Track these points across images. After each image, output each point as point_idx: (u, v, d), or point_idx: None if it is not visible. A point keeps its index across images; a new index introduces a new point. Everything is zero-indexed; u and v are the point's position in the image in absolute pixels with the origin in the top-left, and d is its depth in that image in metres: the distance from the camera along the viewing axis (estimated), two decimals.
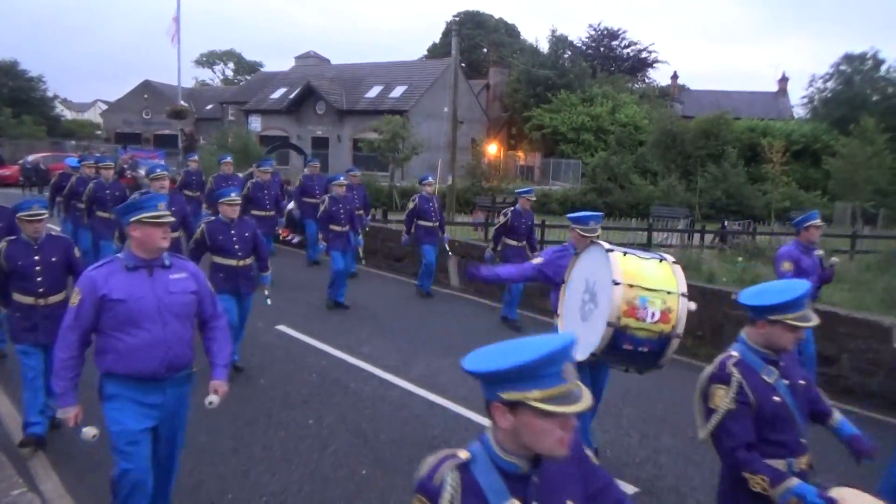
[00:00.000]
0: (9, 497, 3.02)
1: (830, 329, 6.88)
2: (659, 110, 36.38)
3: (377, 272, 12.15)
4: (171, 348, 3.28)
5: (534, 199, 9.30)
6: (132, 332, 3.21)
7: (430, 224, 10.05)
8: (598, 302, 4.18)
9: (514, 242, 8.78)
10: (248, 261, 6.50)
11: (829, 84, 36.61)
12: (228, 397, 3.71)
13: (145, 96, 48.03)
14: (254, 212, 10.14)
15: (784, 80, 42.10)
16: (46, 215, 4.80)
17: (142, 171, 27.05)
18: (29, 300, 4.71)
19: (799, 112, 40.12)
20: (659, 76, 64.47)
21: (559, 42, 41.87)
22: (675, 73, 45.09)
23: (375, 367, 6.83)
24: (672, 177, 29.17)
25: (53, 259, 4.79)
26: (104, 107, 59.71)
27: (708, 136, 30.90)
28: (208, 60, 70.67)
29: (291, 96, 38.25)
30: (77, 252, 4.98)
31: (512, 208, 8.99)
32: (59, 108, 58.13)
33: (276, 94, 40.31)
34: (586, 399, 1.57)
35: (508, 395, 1.56)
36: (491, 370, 1.58)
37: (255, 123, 39.31)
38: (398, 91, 36.34)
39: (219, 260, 6.38)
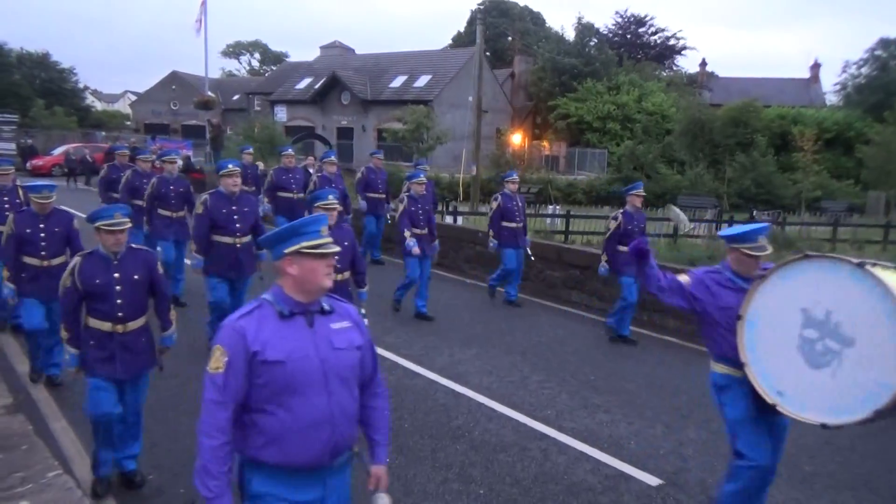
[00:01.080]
0: (45, 478, 3.11)
1: None
2: (687, 98, 35.85)
3: (399, 261, 12.19)
4: (337, 426, 2.43)
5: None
6: (290, 406, 2.36)
7: (513, 225, 8.97)
8: (861, 341, 3.06)
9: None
10: (345, 275, 5.82)
11: (864, 70, 35.75)
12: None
13: (173, 87, 48.61)
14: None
15: (816, 67, 41.20)
16: (129, 224, 4.12)
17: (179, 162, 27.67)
18: (106, 326, 4.06)
19: (831, 99, 39.30)
20: (687, 63, 63.40)
21: (585, 30, 41.43)
22: (703, 60, 44.36)
23: (399, 356, 6.87)
24: (700, 166, 28.77)
25: (136, 277, 4.15)
26: (133, 98, 60.67)
27: (737, 125, 30.36)
28: (234, 51, 71.25)
29: (316, 86, 38.42)
30: (160, 268, 4.42)
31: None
32: (90, 99, 59.13)
33: (302, 85, 40.53)
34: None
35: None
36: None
37: (281, 113, 39.61)
38: (422, 81, 36.30)
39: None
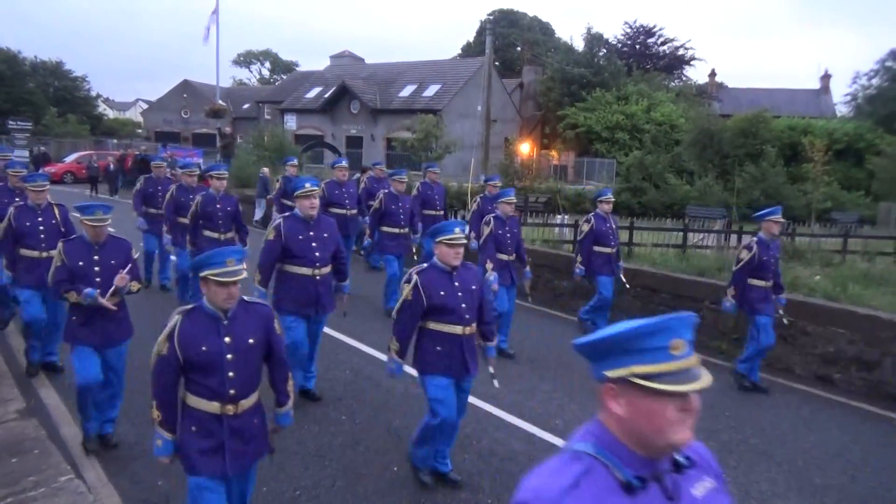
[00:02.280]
0: (57, 482, 3.14)
1: (871, 333, 6.73)
2: (696, 109, 35.79)
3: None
4: None
5: (612, 200, 8.43)
6: None
7: (608, 250, 8.13)
8: None
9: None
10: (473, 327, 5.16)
11: (875, 81, 35.62)
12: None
13: (184, 95, 49.01)
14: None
15: (826, 78, 41.12)
16: (244, 274, 3.17)
17: (180, 171, 27.71)
18: (213, 407, 3.13)
19: (842, 110, 39.12)
20: (696, 74, 63.58)
21: (594, 40, 41.51)
22: (712, 70, 44.35)
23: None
24: (709, 176, 28.68)
25: (250, 341, 3.19)
26: (145, 106, 61.16)
27: (746, 135, 30.25)
28: (245, 60, 71.89)
29: (326, 95, 38.67)
30: (277, 326, 3.43)
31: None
32: (102, 107, 59.66)
33: (312, 94, 40.80)
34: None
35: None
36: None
37: (291, 122, 39.84)
38: (432, 90, 36.45)
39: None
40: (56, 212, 6.08)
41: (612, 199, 8.25)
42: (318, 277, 5.47)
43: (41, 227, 5.90)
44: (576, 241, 8.32)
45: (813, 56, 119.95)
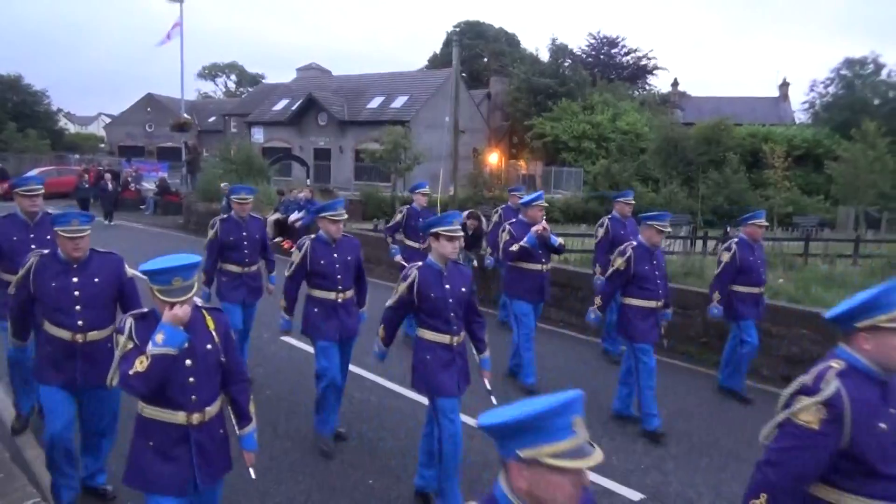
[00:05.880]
0: None
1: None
2: (659, 117, 36.47)
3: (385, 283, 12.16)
4: None
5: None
6: None
7: (757, 291, 6.60)
8: None
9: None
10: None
11: (831, 89, 36.74)
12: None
13: (148, 109, 48.35)
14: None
15: (785, 86, 42.23)
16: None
17: (146, 185, 27.26)
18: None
19: (800, 117, 40.25)
20: (659, 83, 64.76)
21: (559, 51, 42.07)
22: (675, 79, 45.41)
23: (381, 377, 6.85)
24: (674, 184, 29.21)
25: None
26: (107, 120, 60.14)
27: (709, 143, 30.95)
28: (210, 73, 71.17)
29: (293, 108, 38.47)
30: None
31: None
32: (63, 122, 58.54)
33: (279, 106, 40.55)
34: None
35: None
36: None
37: (258, 135, 39.52)
38: (399, 101, 36.52)
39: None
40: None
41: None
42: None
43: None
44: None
45: (772, 65, 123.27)
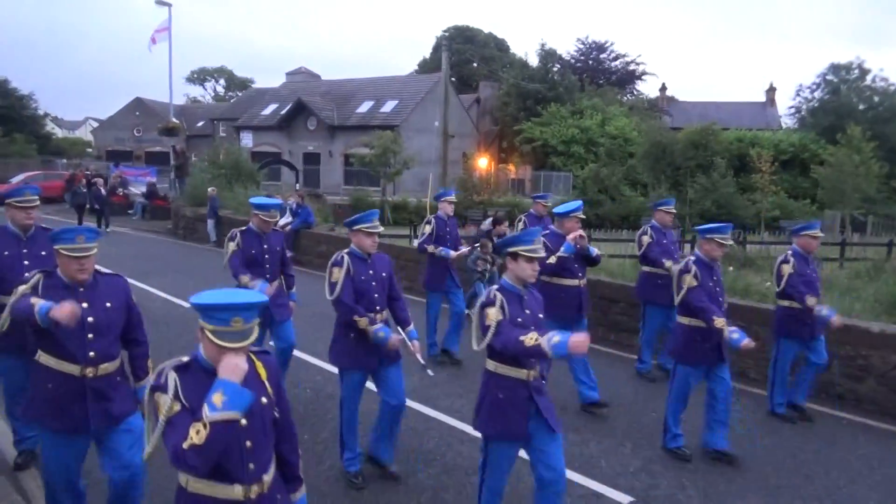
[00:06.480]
0: None
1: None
2: (648, 122, 36.71)
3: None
4: None
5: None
6: None
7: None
8: None
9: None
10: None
11: (816, 94, 37.19)
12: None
13: (136, 113, 48.10)
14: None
15: (772, 91, 42.67)
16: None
17: (133, 189, 27.05)
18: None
19: (787, 122, 40.69)
20: (647, 88, 65.20)
21: (548, 56, 42.29)
22: (663, 84, 45.73)
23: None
24: (662, 188, 29.41)
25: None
26: (95, 124, 59.72)
27: (697, 147, 31.19)
28: (199, 77, 70.88)
29: (283, 112, 38.42)
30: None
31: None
32: (50, 126, 58.01)
33: (268, 111, 40.48)
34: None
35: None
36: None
37: (247, 139, 39.43)
38: (389, 106, 36.55)
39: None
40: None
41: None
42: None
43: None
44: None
45: (759, 70, 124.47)
